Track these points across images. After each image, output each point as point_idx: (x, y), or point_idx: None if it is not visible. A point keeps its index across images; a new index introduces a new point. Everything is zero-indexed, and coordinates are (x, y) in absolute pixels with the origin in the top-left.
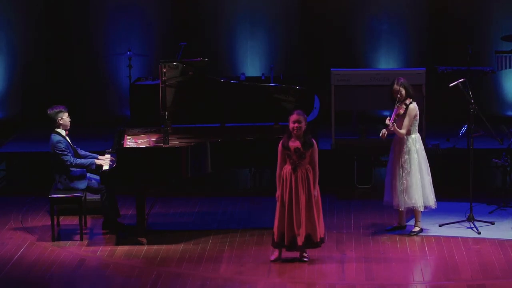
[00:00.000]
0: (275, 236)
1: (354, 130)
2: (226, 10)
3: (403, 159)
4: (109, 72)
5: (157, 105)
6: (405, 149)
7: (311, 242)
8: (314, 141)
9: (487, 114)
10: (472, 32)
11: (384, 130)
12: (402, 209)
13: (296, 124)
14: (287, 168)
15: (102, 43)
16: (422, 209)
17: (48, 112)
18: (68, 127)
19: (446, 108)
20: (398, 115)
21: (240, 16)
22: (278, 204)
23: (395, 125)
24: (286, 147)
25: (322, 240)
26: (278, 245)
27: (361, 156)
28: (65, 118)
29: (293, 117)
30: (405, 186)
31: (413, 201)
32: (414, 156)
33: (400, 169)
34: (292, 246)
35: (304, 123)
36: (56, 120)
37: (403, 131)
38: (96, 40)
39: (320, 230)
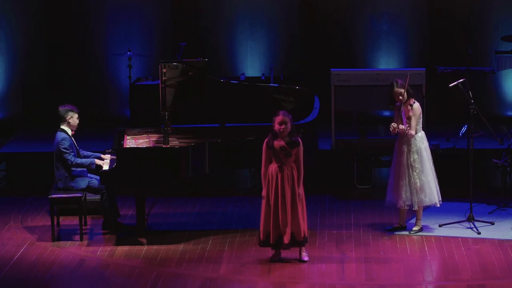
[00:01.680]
0: (261, 235)
1: (354, 130)
2: (226, 10)
3: (412, 159)
4: (109, 72)
5: (157, 105)
6: (414, 149)
7: (295, 240)
8: (300, 140)
9: (487, 114)
10: (472, 32)
11: (394, 125)
12: (416, 208)
13: (282, 126)
14: (273, 166)
15: (102, 43)
16: (439, 204)
17: (60, 108)
18: (75, 128)
19: (446, 108)
20: (408, 118)
21: (240, 16)
22: (263, 202)
23: (409, 128)
24: (270, 147)
25: (306, 239)
26: (264, 243)
27: (361, 156)
28: (74, 118)
29: (279, 118)
30: (418, 185)
31: (429, 198)
32: (424, 154)
33: (410, 169)
34: (278, 244)
35: (290, 124)
36: (65, 118)
37: (412, 132)
38: (96, 40)
39: (304, 229)
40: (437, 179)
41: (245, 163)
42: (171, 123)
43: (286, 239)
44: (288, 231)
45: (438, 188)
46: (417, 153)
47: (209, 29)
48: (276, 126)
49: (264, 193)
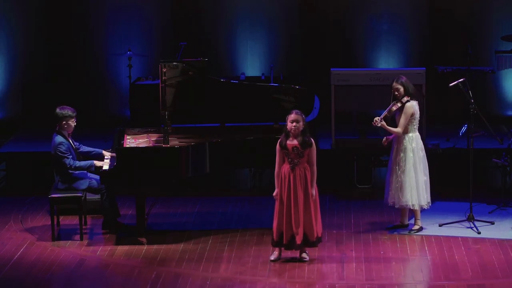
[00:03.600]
0: (274, 235)
1: (354, 130)
2: (226, 10)
3: (399, 157)
4: (109, 72)
5: (157, 105)
6: (401, 147)
7: (308, 241)
8: (312, 140)
9: (487, 114)
10: (472, 32)
11: (384, 138)
12: (397, 206)
13: (294, 124)
14: (286, 167)
15: (102, 43)
16: (417, 207)
17: (57, 111)
18: (72, 130)
19: (446, 108)
20: (390, 112)
21: (240, 16)
22: (276, 203)
23: (383, 121)
24: (284, 147)
25: (319, 239)
26: (277, 244)
27: (361, 156)
28: (70, 123)
29: (291, 116)
30: (399, 184)
31: (405, 200)
32: (410, 155)
33: (397, 167)
34: (291, 245)
35: (302, 123)
36: (61, 122)
37: (398, 129)
38: (96, 40)
39: (318, 230)
40: (425, 184)
41: (245, 163)
42: (171, 122)
43: (299, 240)
44: (301, 231)
45: (423, 192)
46: (403, 152)
47: (209, 29)
48: (288, 125)
49: (275, 193)
